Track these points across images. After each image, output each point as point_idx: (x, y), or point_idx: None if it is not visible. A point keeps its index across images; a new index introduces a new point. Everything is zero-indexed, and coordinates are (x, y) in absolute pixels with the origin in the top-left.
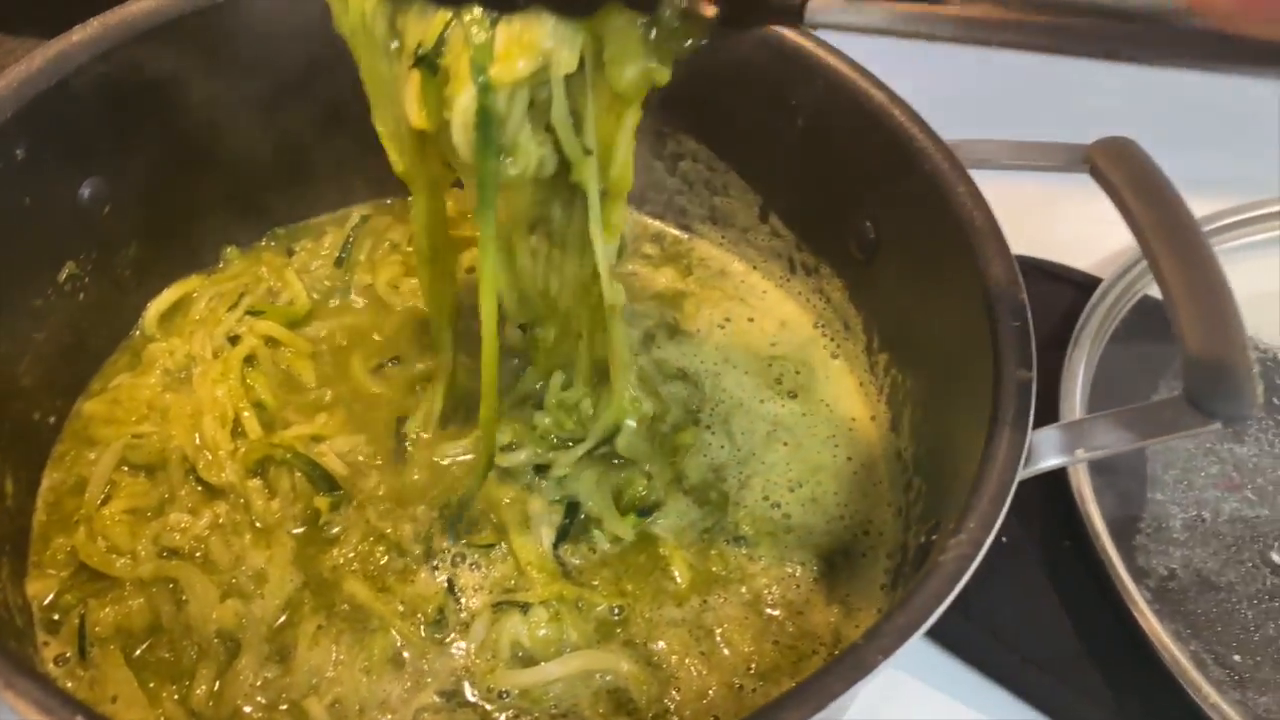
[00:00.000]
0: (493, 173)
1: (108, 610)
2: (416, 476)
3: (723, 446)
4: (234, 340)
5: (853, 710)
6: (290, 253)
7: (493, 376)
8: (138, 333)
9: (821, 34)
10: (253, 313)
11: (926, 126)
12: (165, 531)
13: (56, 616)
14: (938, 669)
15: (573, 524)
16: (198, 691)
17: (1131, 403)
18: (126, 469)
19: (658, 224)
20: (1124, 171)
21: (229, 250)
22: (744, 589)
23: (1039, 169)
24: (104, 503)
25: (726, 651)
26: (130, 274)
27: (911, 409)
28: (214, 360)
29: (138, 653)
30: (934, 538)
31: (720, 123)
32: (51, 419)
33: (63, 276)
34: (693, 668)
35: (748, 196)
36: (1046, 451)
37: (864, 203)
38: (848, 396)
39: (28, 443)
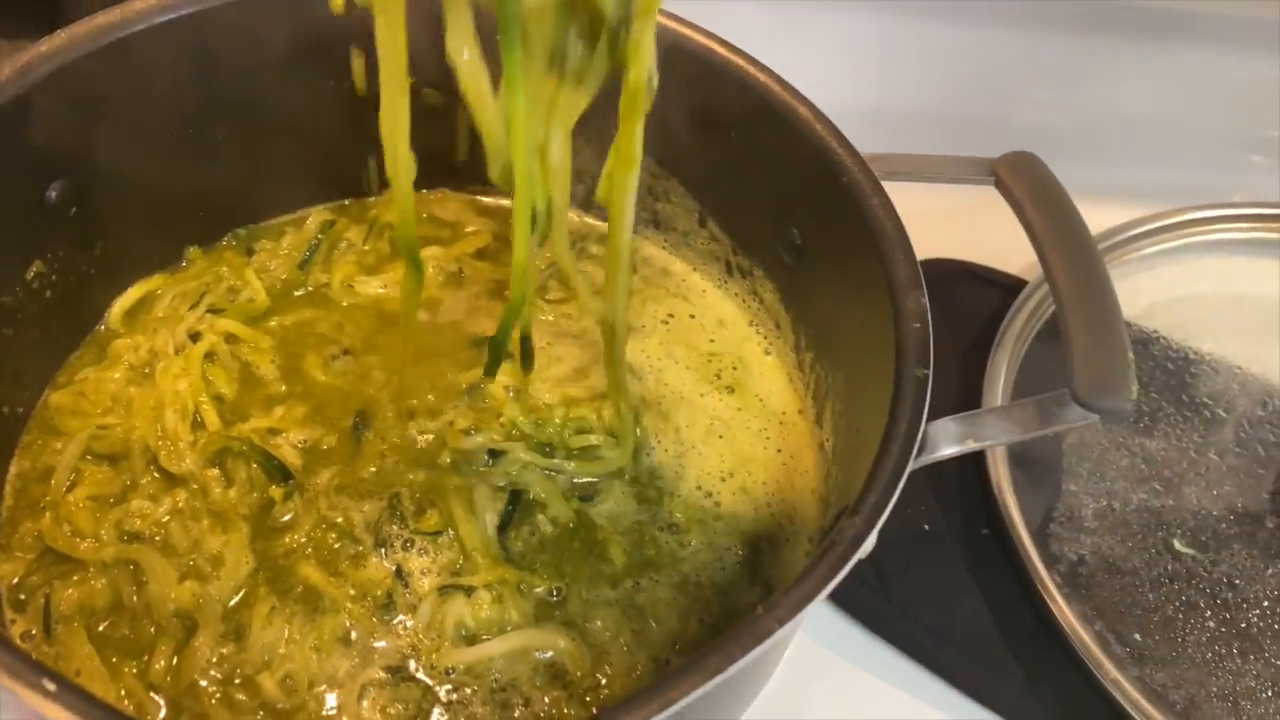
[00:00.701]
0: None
1: (72, 590)
2: (373, 469)
3: (667, 440)
4: (195, 337)
5: (779, 685)
6: (250, 252)
7: (526, 211)
8: (103, 328)
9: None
10: (213, 311)
11: (845, 140)
12: (127, 517)
13: (23, 596)
14: (860, 647)
15: (515, 511)
16: (156, 666)
17: (1031, 398)
18: (90, 458)
19: (604, 225)
20: (1025, 184)
21: (191, 250)
22: (674, 572)
23: (948, 181)
24: (69, 490)
25: (656, 629)
26: (96, 272)
27: (832, 403)
28: (176, 356)
29: (100, 630)
30: (838, 521)
31: (662, 135)
32: (20, 409)
33: (30, 275)
34: (624, 644)
35: (688, 203)
36: (942, 441)
37: (791, 211)
38: (779, 392)
39: None
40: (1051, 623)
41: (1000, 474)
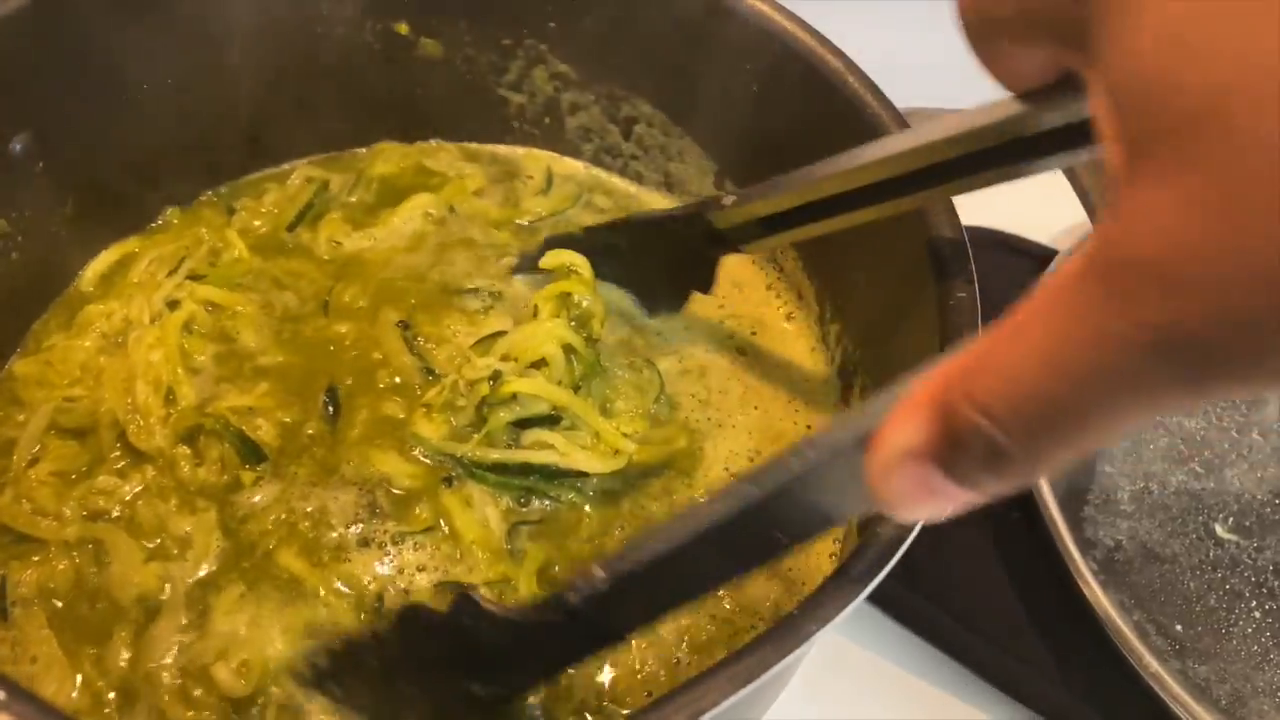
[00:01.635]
0: None
1: (31, 571)
2: (349, 464)
3: (690, 410)
4: (173, 305)
5: (802, 678)
6: (231, 211)
7: None
8: (73, 290)
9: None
10: (194, 277)
11: (881, 94)
12: (91, 495)
13: None
14: (886, 638)
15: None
16: (116, 653)
17: None
18: (54, 432)
19: (610, 177)
20: None
21: (169, 210)
22: None
23: None
24: (31, 465)
25: (663, 627)
26: (66, 233)
27: (862, 379)
28: (151, 325)
29: (59, 611)
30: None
31: (676, 88)
32: None
33: None
34: (630, 642)
35: (703, 163)
36: None
37: None
38: (800, 363)
39: None
40: (1087, 611)
41: None
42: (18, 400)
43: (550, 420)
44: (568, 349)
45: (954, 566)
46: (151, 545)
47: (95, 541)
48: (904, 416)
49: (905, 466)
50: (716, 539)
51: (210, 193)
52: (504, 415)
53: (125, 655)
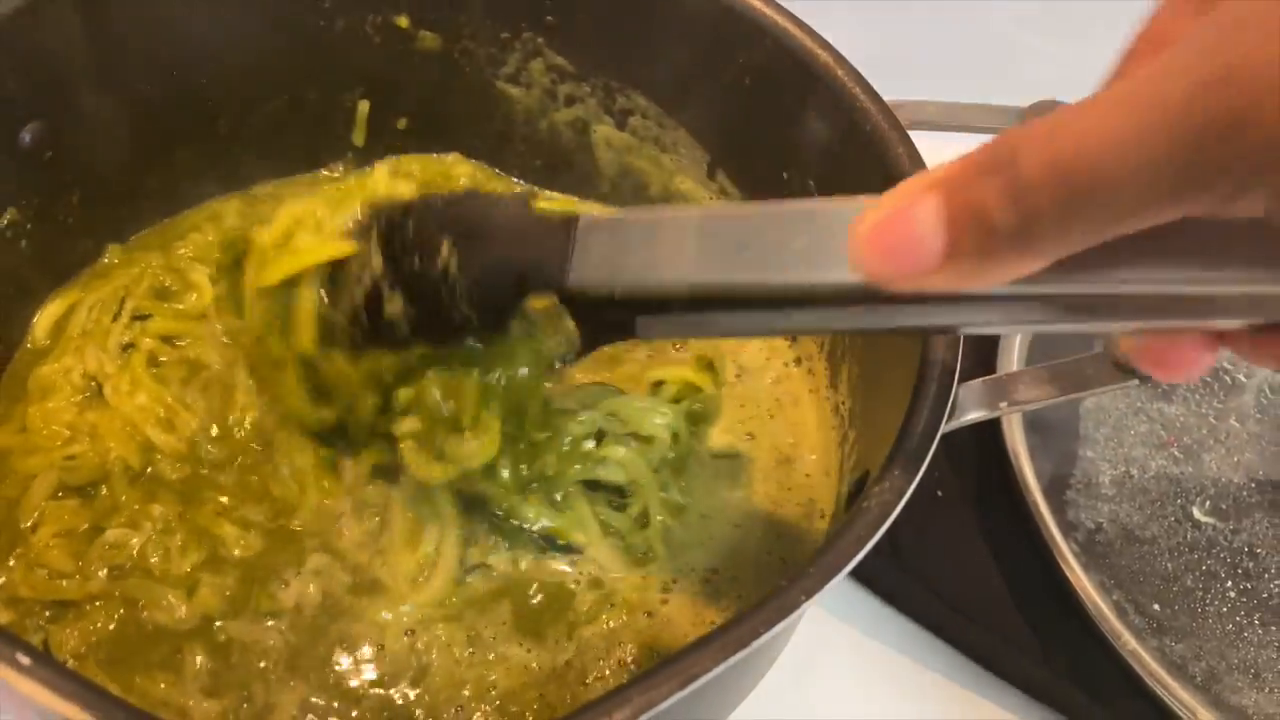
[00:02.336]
0: None
1: (71, 630)
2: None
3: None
4: (128, 348)
5: (790, 654)
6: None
7: None
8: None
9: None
10: (139, 317)
11: (869, 87)
12: (107, 551)
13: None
14: (873, 617)
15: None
16: (193, 661)
17: (1066, 359)
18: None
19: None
20: None
21: (110, 248)
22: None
23: (976, 130)
24: (31, 531)
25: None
26: (74, 221)
27: (849, 365)
28: (118, 373)
29: (114, 658)
30: (862, 487)
31: (669, 80)
32: None
33: (3, 223)
34: None
35: (696, 153)
36: (972, 404)
37: (808, 161)
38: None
39: None
40: (1068, 591)
41: (1015, 439)
42: (12, 471)
43: (616, 491)
44: (674, 436)
45: (940, 548)
46: (186, 571)
47: (129, 600)
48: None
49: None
50: None
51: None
52: (577, 473)
53: (201, 657)
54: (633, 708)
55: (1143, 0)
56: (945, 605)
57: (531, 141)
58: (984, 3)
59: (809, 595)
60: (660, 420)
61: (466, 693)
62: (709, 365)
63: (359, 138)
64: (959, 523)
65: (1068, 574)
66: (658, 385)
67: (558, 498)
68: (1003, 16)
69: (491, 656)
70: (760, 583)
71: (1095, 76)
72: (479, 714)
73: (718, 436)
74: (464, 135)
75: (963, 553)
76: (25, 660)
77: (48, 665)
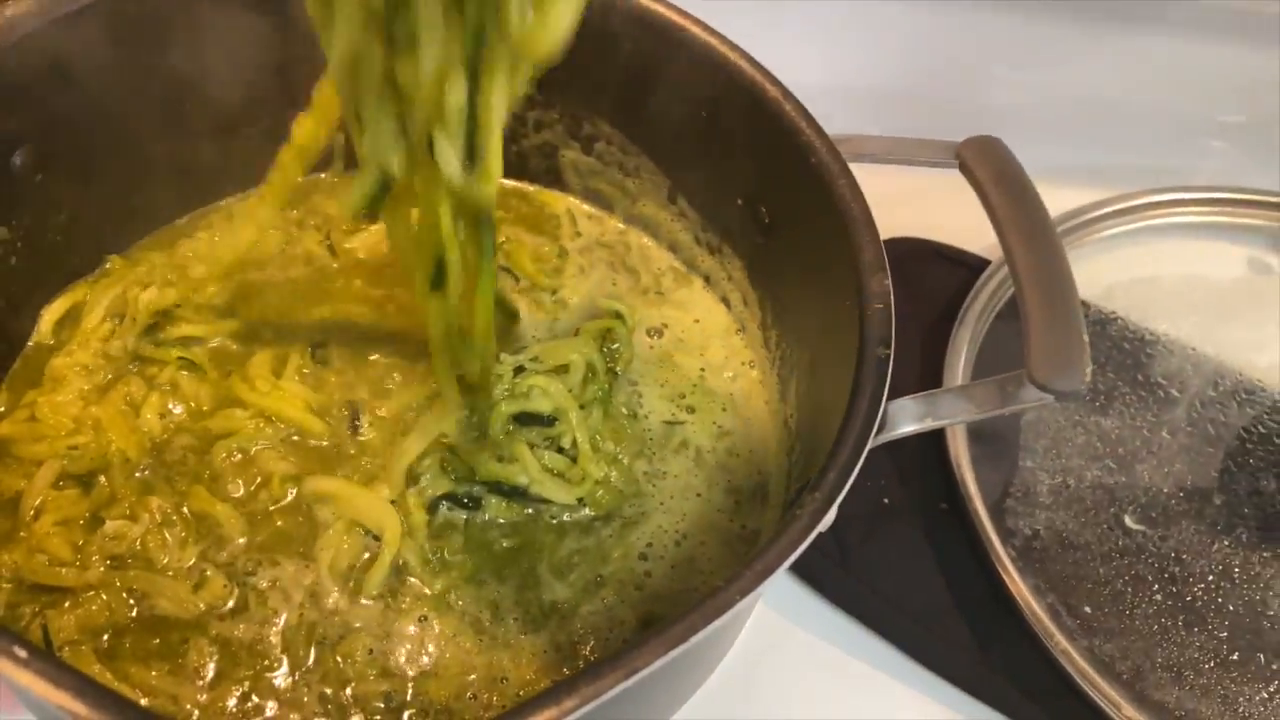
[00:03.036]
0: None
1: (68, 616)
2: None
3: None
4: (140, 361)
5: (739, 653)
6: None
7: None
8: (32, 344)
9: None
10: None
11: (814, 122)
12: (106, 542)
13: (23, 625)
14: (821, 619)
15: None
16: (202, 653)
17: (992, 378)
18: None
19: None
20: (987, 168)
21: (110, 258)
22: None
23: (913, 164)
24: (34, 518)
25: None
26: (63, 240)
27: (798, 380)
28: (131, 376)
29: (110, 647)
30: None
31: (633, 111)
32: None
33: None
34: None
35: (657, 179)
36: (902, 419)
37: (760, 190)
38: (744, 366)
39: None
40: (1005, 595)
41: (959, 450)
42: (16, 458)
43: (545, 421)
44: (590, 368)
45: (885, 553)
46: (186, 567)
47: (129, 588)
48: None
49: None
50: None
51: (148, 237)
52: (507, 408)
53: (212, 650)
54: (579, 697)
55: (1085, 37)
56: (890, 607)
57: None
58: (927, 37)
59: (744, 594)
60: (575, 355)
61: (473, 678)
62: (617, 314)
63: (339, 165)
64: (904, 529)
65: (1005, 578)
66: (575, 333)
67: (502, 454)
68: (946, 49)
69: (496, 645)
70: (728, 550)
71: (1034, 110)
72: (493, 710)
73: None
74: None
75: (907, 558)
76: (22, 653)
77: (45, 658)
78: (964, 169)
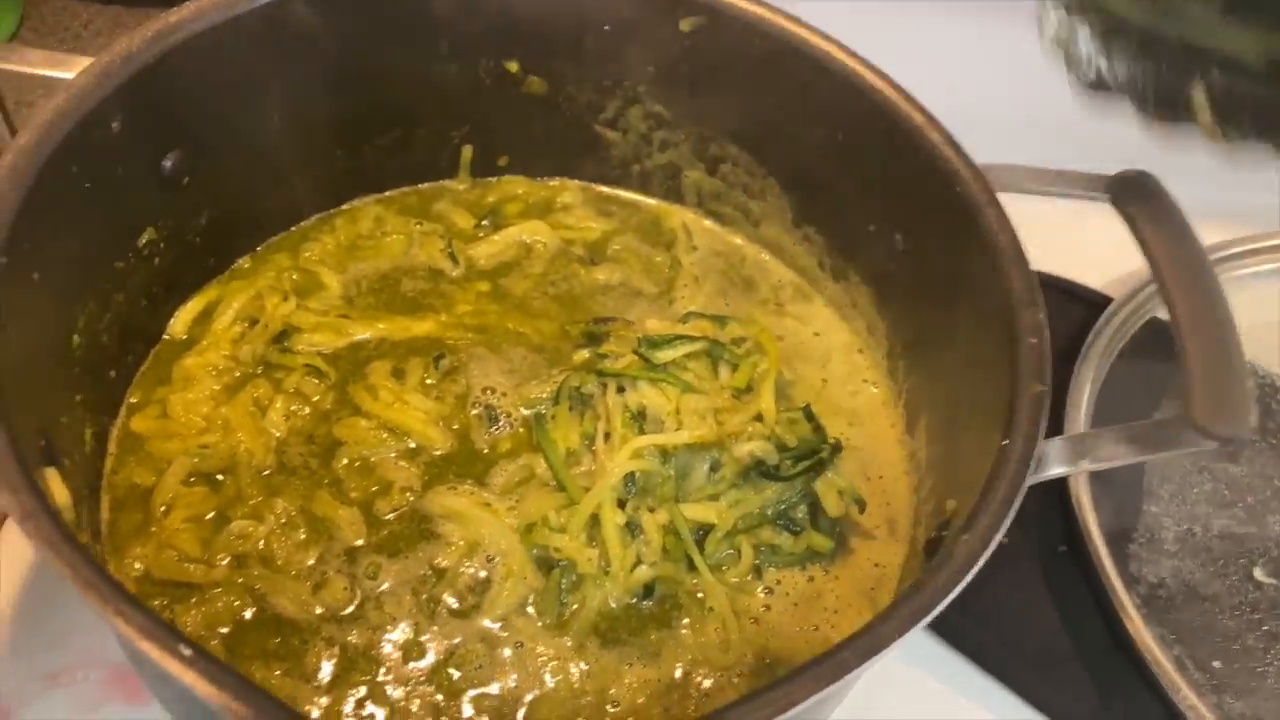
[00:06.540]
0: None
1: (194, 613)
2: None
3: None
4: (268, 367)
5: (856, 692)
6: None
7: None
8: (165, 340)
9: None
10: (283, 335)
11: (960, 149)
12: (232, 541)
13: None
14: (936, 660)
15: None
16: (318, 654)
17: (1132, 418)
18: (182, 480)
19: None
20: (1143, 203)
21: (241, 260)
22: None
23: (1062, 196)
24: (165, 514)
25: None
26: (200, 241)
27: (928, 414)
28: (258, 378)
29: (233, 640)
30: (944, 534)
31: (764, 133)
32: (93, 430)
33: (142, 241)
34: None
35: (783, 202)
36: (1053, 460)
37: (896, 217)
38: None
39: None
40: (1128, 643)
41: (1080, 491)
42: (149, 454)
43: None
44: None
45: (1004, 596)
46: (309, 566)
47: (251, 588)
48: None
49: None
50: None
51: (278, 237)
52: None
53: (330, 653)
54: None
55: None
56: (1007, 651)
57: (624, 185)
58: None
59: (900, 633)
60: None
61: (585, 702)
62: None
63: (464, 179)
64: (1022, 571)
65: (1129, 626)
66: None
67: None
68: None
69: (606, 670)
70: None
71: (1183, 149)
72: None
73: None
74: (561, 175)
75: (1026, 602)
76: (187, 652)
77: (209, 659)
78: (1116, 203)
